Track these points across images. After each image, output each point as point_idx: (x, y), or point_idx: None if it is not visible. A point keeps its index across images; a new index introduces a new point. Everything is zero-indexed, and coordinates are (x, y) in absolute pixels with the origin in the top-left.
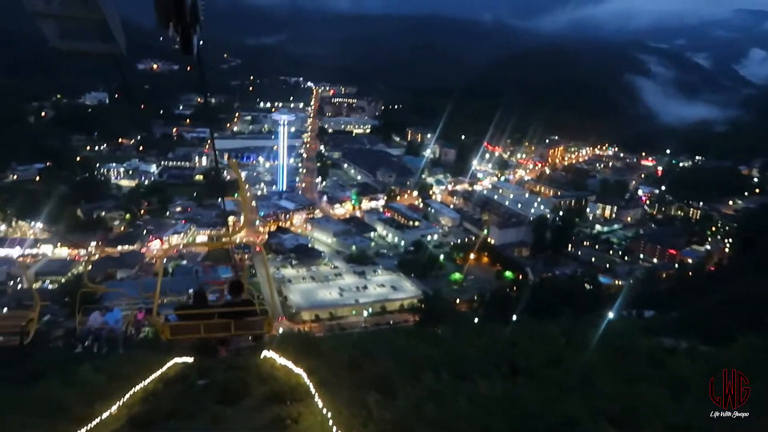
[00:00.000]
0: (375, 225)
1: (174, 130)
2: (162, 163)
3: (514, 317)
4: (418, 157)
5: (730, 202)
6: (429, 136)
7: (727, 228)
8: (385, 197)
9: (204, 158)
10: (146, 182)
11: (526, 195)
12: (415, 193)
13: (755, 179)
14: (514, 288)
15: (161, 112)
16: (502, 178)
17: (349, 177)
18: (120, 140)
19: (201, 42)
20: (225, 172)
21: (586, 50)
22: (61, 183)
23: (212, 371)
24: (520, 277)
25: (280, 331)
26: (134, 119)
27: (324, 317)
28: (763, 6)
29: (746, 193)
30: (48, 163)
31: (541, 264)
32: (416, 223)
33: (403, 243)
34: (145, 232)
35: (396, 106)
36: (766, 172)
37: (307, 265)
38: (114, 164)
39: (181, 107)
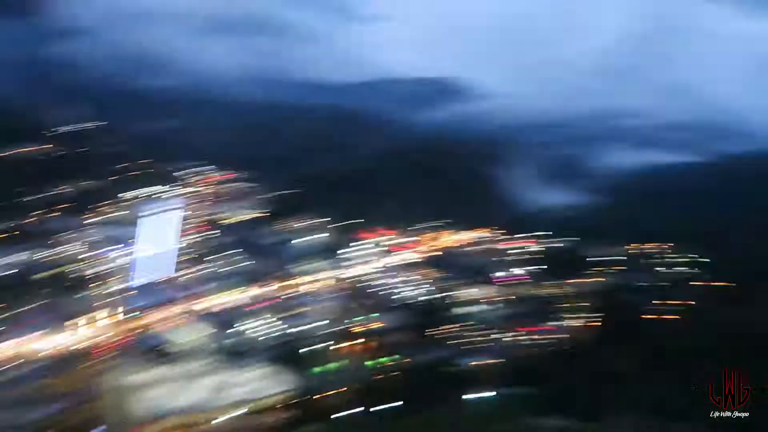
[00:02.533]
0: (249, 316)
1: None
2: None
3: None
4: (300, 244)
5: (587, 280)
6: (319, 222)
7: (585, 304)
8: (264, 286)
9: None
10: None
11: (403, 280)
12: (297, 280)
13: (610, 258)
14: (390, 374)
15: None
16: (383, 266)
17: (231, 266)
18: None
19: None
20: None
21: (468, 142)
22: None
23: None
24: (395, 363)
25: None
26: None
27: (187, 423)
28: (618, 105)
29: (601, 270)
30: None
31: (414, 348)
32: (293, 313)
33: (280, 334)
34: None
35: (289, 192)
36: (618, 251)
37: (169, 365)
38: None
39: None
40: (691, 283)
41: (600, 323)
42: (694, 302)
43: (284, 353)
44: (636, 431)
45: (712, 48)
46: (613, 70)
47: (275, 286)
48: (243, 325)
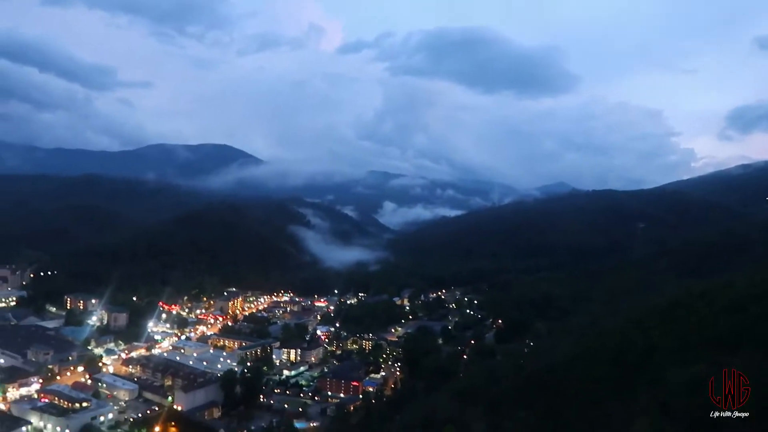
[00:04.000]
0: (28, 416)
1: None
2: None
3: None
4: (80, 327)
5: (393, 330)
6: (94, 301)
7: (394, 353)
8: (41, 380)
9: None
10: None
11: (211, 351)
12: (81, 368)
13: (407, 308)
14: None
15: None
16: (183, 337)
17: None
18: None
19: None
20: None
21: (252, 206)
22: None
23: None
24: None
25: None
26: None
27: None
28: (387, 168)
29: (403, 320)
30: None
31: (235, 422)
32: (84, 404)
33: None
34: None
35: (50, 273)
36: (414, 301)
37: None
38: None
39: None
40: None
41: (409, 368)
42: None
43: None
44: None
45: (457, 117)
46: (378, 137)
47: (56, 377)
48: (25, 426)
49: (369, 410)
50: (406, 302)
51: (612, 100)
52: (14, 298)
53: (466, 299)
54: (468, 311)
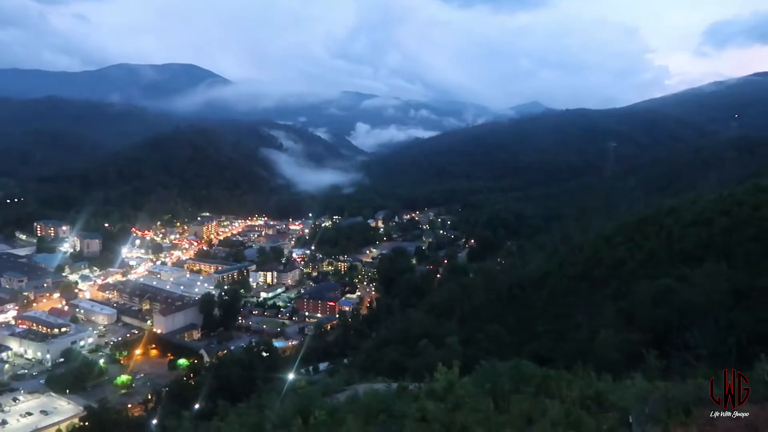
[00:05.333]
0: (7, 342)
1: None
2: None
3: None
4: (53, 254)
5: (368, 251)
6: (65, 228)
7: (369, 274)
8: (17, 306)
9: None
10: None
11: (187, 275)
12: (57, 294)
13: (381, 229)
14: (192, 375)
15: None
16: (159, 262)
17: None
18: None
19: None
20: None
21: (223, 129)
22: None
23: None
24: (195, 361)
25: None
26: None
27: None
28: (360, 88)
29: (377, 242)
30: None
31: (215, 343)
32: (63, 330)
33: (49, 356)
34: None
35: (17, 199)
36: (388, 222)
37: None
38: None
39: None
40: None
41: (384, 288)
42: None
43: (61, 375)
44: None
45: (431, 34)
46: (351, 56)
47: (31, 303)
48: (4, 352)
49: (345, 328)
50: (380, 224)
51: (588, 16)
52: None
53: (439, 220)
54: (441, 231)
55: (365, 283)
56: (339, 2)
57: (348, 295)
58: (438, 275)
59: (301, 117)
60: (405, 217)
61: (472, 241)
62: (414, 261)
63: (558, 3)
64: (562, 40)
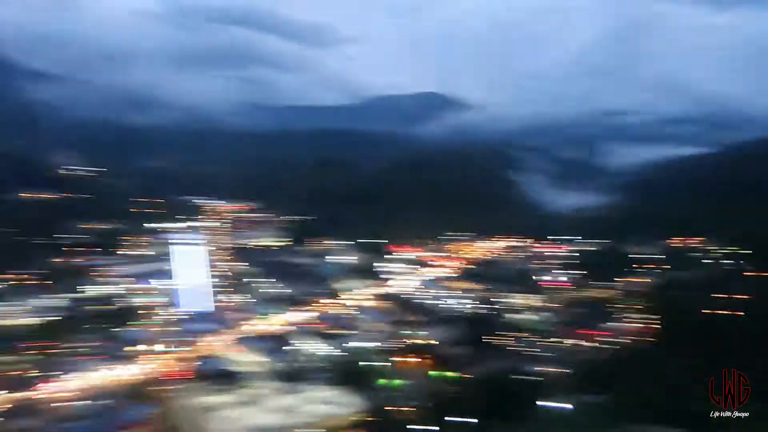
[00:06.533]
0: (302, 338)
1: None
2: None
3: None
4: (333, 264)
5: (631, 279)
6: (341, 242)
7: (635, 304)
8: (309, 308)
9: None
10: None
11: (447, 292)
12: (338, 301)
13: (645, 255)
14: (457, 387)
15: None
16: (422, 278)
17: (266, 291)
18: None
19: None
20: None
21: (468, 152)
22: None
23: None
24: (461, 375)
25: None
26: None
27: None
28: (608, 104)
29: (640, 269)
30: None
31: (475, 360)
32: (345, 332)
33: (334, 354)
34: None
35: (304, 217)
36: (655, 247)
37: (232, 389)
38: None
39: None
40: (744, 274)
41: (659, 324)
42: (750, 295)
43: (344, 372)
44: None
45: (687, 42)
46: (596, 71)
47: (317, 307)
48: (297, 347)
49: (607, 360)
50: (647, 249)
51: None
52: (280, 240)
53: (722, 248)
54: (725, 261)
55: (631, 313)
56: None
57: (610, 324)
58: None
59: (548, 137)
60: (679, 243)
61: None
62: (694, 295)
63: None
64: None
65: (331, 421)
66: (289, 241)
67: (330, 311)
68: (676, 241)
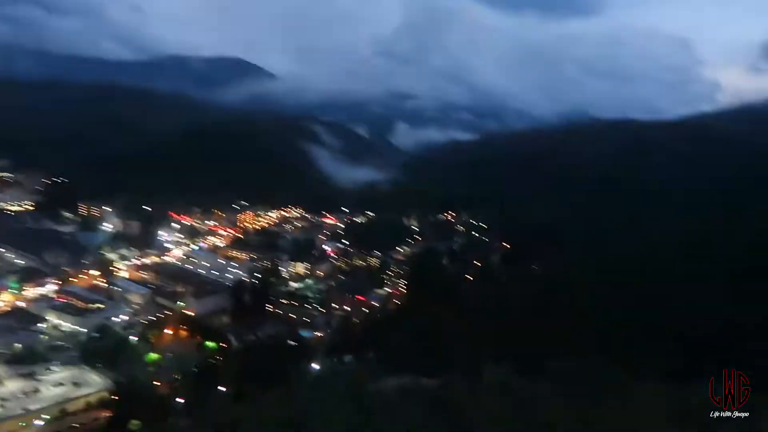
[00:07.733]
0: (46, 314)
1: None
2: None
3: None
4: (95, 232)
5: (399, 249)
6: (107, 209)
7: (400, 271)
8: (58, 281)
9: None
10: None
11: (221, 261)
12: (96, 272)
13: (415, 228)
14: (219, 357)
15: None
16: (194, 247)
17: (6, 262)
18: None
19: None
20: None
21: (265, 122)
22: None
23: None
24: (224, 345)
25: None
26: None
27: None
28: (402, 88)
29: (409, 240)
30: None
31: (243, 329)
32: (99, 306)
33: (84, 330)
34: None
35: (64, 180)
36: (423, 222)
37: None
38: None
39: None
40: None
41: (414, 286)
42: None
43: (91, 349)
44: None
45: (476, 37)
46: (395, 55)
47: (70, 279)
48: (40, 325)
49: (373, 323)
50: (413, 222)
51: (641, 25)
52: (30, 203)
53: (473, 222)
54: (474, 233)
55: (395, 280)
56: (386, 2)
57: (377, 291)
58: (469, 276)
59: (343, 113)
60: (439, 217)
61: (506, 245)
62: (446, 261)
63: (610, 12)
64: (612, 48)
65: (66, 405)
66: (48, 206)
67: (85, 284)
68: (442, 216)
